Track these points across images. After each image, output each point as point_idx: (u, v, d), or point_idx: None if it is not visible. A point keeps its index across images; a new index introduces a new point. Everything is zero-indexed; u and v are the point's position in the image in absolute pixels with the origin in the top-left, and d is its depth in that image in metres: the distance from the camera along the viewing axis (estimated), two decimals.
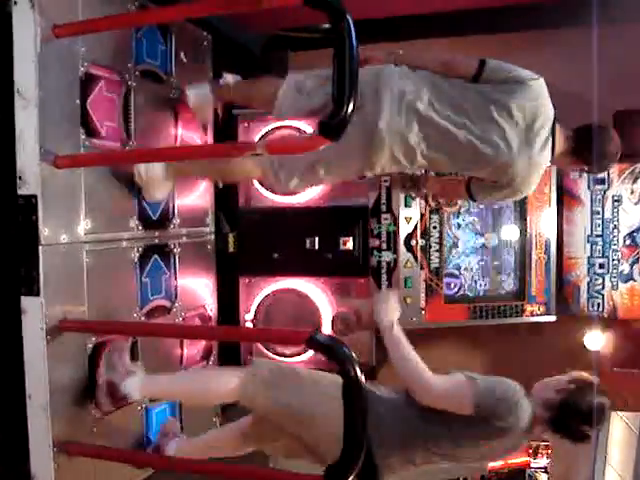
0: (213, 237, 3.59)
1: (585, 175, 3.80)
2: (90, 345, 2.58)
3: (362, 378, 1.93)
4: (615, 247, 3.83)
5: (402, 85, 2.60)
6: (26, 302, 2.31)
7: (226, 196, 3.70)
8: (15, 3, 2.26)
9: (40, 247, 2.31)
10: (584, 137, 2.75)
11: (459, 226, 3.77)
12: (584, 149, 2.76)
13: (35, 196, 2.28)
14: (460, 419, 2.32)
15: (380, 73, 2.63)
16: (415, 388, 2.38)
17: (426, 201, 3.63)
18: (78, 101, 2.51)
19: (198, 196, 3.45)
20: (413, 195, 3.53)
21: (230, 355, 3.74)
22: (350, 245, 3.66)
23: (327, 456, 2.17)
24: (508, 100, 2.60)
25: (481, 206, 3.78)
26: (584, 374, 2.39)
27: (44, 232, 2.32)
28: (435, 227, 3.67)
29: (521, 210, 3.82)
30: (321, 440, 2.38)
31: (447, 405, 2.34)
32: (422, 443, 2.40)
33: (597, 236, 3.84)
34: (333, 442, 1.98)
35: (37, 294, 2.30)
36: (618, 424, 8.87)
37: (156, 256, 3.04)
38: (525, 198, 3.79)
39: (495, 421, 2.27)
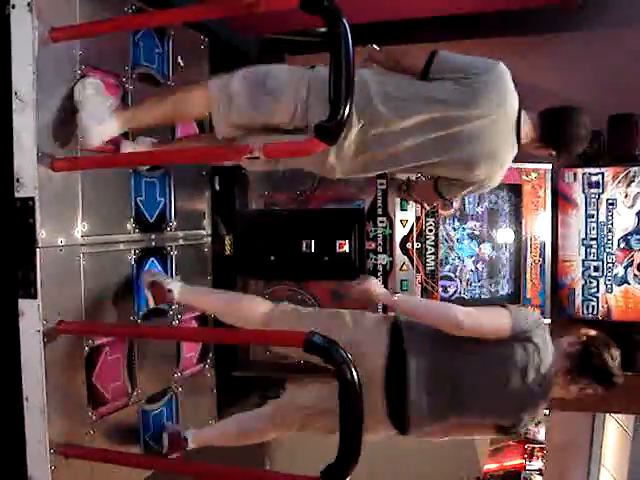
0: (210, 240, 3.60)
1: (580, 179, 3.82)
2: (87, 348, 2.58)
3: (358, 381, 1.94)
4: (609, 250, 3.85)
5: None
6: (23, 305, 2.31)
7: (223, 199, 3.71)
8: (13, 7, 2.26)
9: (37, 250, 2.31)
10: (550, 121, 2.66)
11: (455, 229, 3.78)
12: (550, 134, 2.67)
13: (32, 199, 2.29)
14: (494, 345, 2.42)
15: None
16: (453, 322, 2.42)
17: (421, 205, 3.64)
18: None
19: (195, 199, 3.46)
20: (407, 200, 3.57)
21: (227, 358, 3.75)
22: (346, 248, 3.67)
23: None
24: (463, 99, 2.51)
25: (477, 209, 3.80)
26: (592, 331, 2.53)
27: (41, 235, 2.32)
28: (431, 230, 3.68)
29: (516, 213, 3.84)
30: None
31: (485, 329, 2.42)
32: (453, 378, 2.45)
33: (592, 239, 3.86)
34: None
35: (34, 297, 2.30)
36: (612, 426, 8.90)
37: (153, 259, 3.04)
38: (520, 201, 3.82)
39: (527, 334, 2.38)
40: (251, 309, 2.72)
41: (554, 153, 2.73)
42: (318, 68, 2.51)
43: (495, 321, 2.43)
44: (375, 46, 2.73)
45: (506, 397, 2.44)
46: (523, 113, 2.60)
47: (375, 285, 2.69)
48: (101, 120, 2.46)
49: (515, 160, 2.75)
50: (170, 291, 2.76)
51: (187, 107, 2.62)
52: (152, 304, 2.83)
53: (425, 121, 2.52)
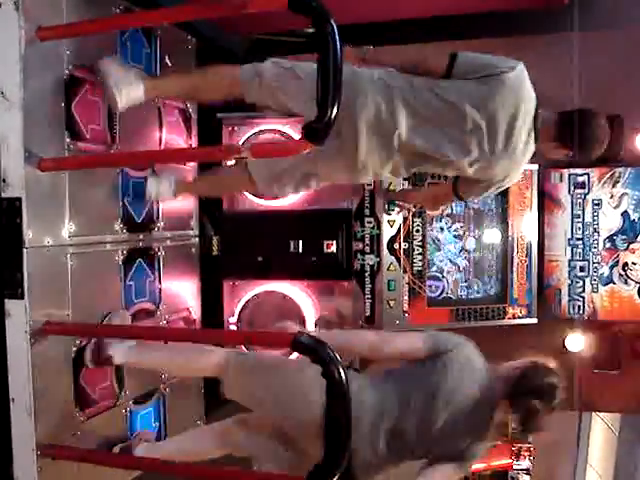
0: (197, 240, 3.59)
1: (566, 179, 3.85)
2: (74, 348, 2.57)
3: (345, 380, 1.95)
4: (595, 250, 3.88)
5: (376, 101, 2.55)
6: (10, 305, 2.30)
7: (210, 199, 3.70)
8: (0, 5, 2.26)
9: (24, 250, 2.30)
10: (569, 122, 2.66)
11: (442, 229, 3.80)
12: (568, 134, 2.66)
13: (19, 199, 2.28)
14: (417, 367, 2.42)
15: (352, 82, 2.50)
16: (365, 347, 2.50)
17: (408, 212, 3.65)
18: (63, 104, 2.51)
19: (182, 199, 3.45)
20: (397, 210, 3.58)
21: None
22: (334, 248, 3.68)
23: (309, 449, 2.19)
24: (483, 101, 2.54)
25: (463, 210, 3.82)
26: (540, 358, 2.51)
27: (28, 235, 2.31)
28: (418, 230, 3.70)
29: (503, 214, 3.86)
30: (303, 431, 2.38)
31: (401, 348, 2.45)
32: (402, 419, 2.41)
33: (578, 239, 3.89)
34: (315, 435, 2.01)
35: (21, 297, 2.29)
36: (598, 425, 8.95)
37: (140, 259, 3.04)
38: (507, 202, 3.84)
39: (444, 352, 2.39)
40: (201, 361, 2.67)
41: (571, 154, 2.73)
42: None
43: (406, 340, 2.48)
44: (371, 47, 2.74)
45: (452, 424, 2.39)
46: (541, 112, 2.62)
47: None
48: (128, 84, 2.58)
49: None
50: (110, 357, 2.61)
51: (215, 82, 2.71)
52: (90, 366, 2.64)
53: (454, 118, 2.57)
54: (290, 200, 3.72)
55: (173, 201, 3.18)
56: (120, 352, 2.62)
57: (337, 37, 1.96)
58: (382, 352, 2.48)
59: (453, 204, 3.76)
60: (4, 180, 2.28)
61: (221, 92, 2.77)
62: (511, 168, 2.69)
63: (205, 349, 2.68)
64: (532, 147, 2.66)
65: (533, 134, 2.62)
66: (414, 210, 3.65)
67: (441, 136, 2.59)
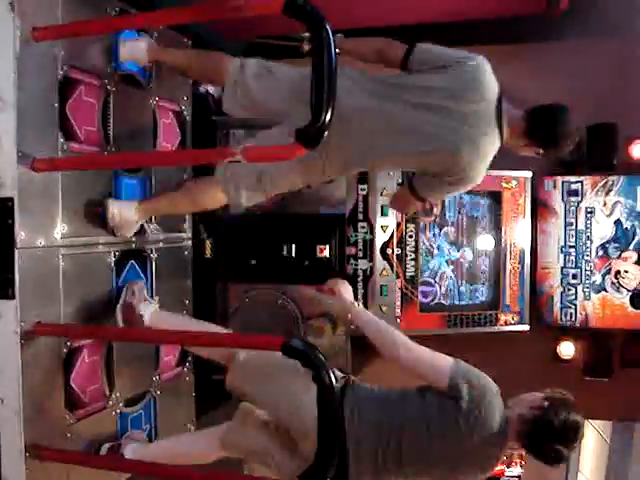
0: (190, 243, 3.58)
1: (560, 187, 3.86)
2: (65, 350, 2.56)
3: (336, 384, 1.95)
4: (588, 258, 3.89)
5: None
6: (1, 305, 2.29)
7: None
8: None
9: (16, 250, 2.29)
10: (539, 117, 2.57)
11: (435, 235, 3.80)
12: (539, 129, 2.58)
13: (12, 199, 2.27)
14: (439, 416, 2.31)
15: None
16: (398, 349, 2.39)
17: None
18: (57, 105, 2.50)
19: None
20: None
21: (206, 361, 3.73)
22: (327, 253, 3.68)
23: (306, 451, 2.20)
24: (444, 85, 2.50)
25: (457, 216, 3.82)
26: (560, 391, 2.33)
27: (20, 235, 2.30)
28: (411, 236, 3.70)
29: (496, 220, 3.87)
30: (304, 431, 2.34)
31: (425, 369, 2.35)
32: (396, 444, 2.36)
33: (570, 247, 3.90)
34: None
35: (12, 298, 2.28)
36: (590, 433, 8.97)
37: (133, 261, 3.02)
38: (500, 209, 3.84)
39: (466, 406, 2.25)
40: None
41: (540, 151, 2.64)
42: None
43: (435, 367, 2.35)
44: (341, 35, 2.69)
45: (451, 459, 2.34)
46: (505, 105, 2.56)
47: (344, 289, 2.63)
48: (137, 40, 2.86)
49: (495, 167, 2.69)
50: (141, 316, 2.74)
51: (205, 62, 2.87)
52: (120, 325, 2.78)
53: (407, 108, 2.53)
54: (284, 204, 3.73)
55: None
56: (149, 313, 2.75)
57: (332, 42, 1.97)
58: (406, 363, 2.39)
59: (446, 211, 3.78)
60: None
61: (206, 74, 2.95)
62: (476, 156, 2.55)
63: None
64: (496, 142, 2.57)
65: (496, 124, 2.54)
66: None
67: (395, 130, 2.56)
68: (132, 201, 2.84)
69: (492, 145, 2.57)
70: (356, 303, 2.61)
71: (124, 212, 2.77)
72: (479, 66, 2.53)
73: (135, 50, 2.83)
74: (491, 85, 2.54)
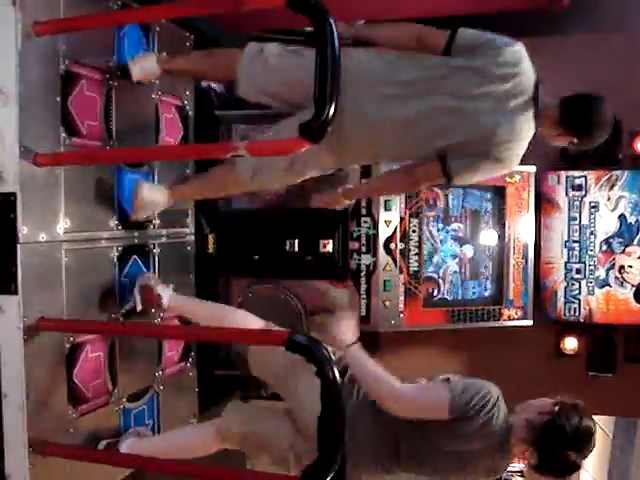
0: (193, 238, 3.58)
1: (563, 181, 3.85)
2: (68, 345, 2.56)
3: (340, 380, 1.94)
4: (592, 253, 3.88)
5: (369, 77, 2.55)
6: (3, 301, 2.29)
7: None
8: None
9: (18, 245, 2.29)
10: (573, 105, 2.56)
11: (438, 230, 3.79)
12: (573, 118, 2.56)
13: (14, 194, 2.27)
14: (435, 422, 2.26)
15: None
16: (380, 396, 2.31)
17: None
18: (59, 99, 2.49)
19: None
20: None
21: (209, 356, 3.73)
22: (330, 248, 3.67)
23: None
24: (483, 65, 2.49)
25: (460, 211, 3.81)
26: (570, 398, 2.24)
27: (23, 230, 2.30)
28: (414, 231, 3.69)
29: (499, 215, 3.86)
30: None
31: (421, 411, 2.27)
32: (393, 449, 2.34)
33: (574, 242, 3.89)
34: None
35: (15, 293, 2.28)
36: None
37: (135, 256, 3.02)
38: (504, 203, 3.83)
39: (470, 417, 2.18)
40: (238, 321, 2.76)
41: (575, 141, 2.60)
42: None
43: (431, 406, 2.26)
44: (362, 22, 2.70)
45: (456, 472, 2.31)
46: (541, 93, 2.53)
47: (345, 327, 2.51)
48: (145, 56, 2.89)
49: None
50: (159, 296, 2.82)
51: (220, 59, 2.85)
52: (139, 307, 2.86)
53: (448, 92, 2.52)
54: (286, 199, 3.72)
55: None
56: (167, 295, 2.83)
57: (335, 35, 1.96)
58: (402, 412, 2.29)
59: (450, 205, 3.77)
60: None
61: (219, 73, 2.94)
62: (512, 136, 2.53)
63: (241, 312, 2.87)
64: (531, 120, 2.54)
65: (532, 108, 2.52)
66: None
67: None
68: (162, 185, 2.97)
69: (528, 127, 2.54)
70: (354, 341, 2.46)
71: (154, 193, 2.88)
72: (518, 52, 2.51)
73: (146, 67, 2.86)
74: (529, 70, 2.52)
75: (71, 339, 2.57)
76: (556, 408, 2.18)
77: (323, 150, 2.51)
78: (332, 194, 3.16)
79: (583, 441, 2.16)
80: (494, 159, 2.57)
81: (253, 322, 2.79)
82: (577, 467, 2.17)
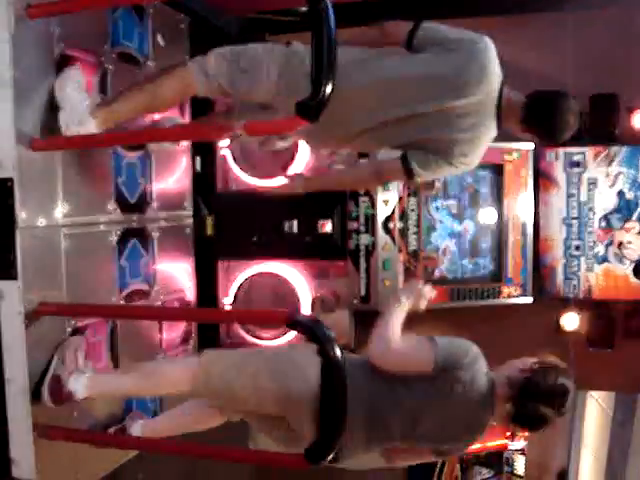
0: (191, 221, 3.58)
1: (561, 158, 3.84)
2: (69, 329, 2.57)
3: (341, 358, 1.95)
4: (590, 229, 3.88)
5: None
6: (4, 286, 2.29)
7: (204, 179, 3.69)
8: None
9: (17, 231, 2.29)
10: (537, 108, 2.52)
11: (437, 209, 3.79)
12: (536, 121, 2.52)
13: (11, 179, 2.26)
14: (420, 379, 2.31)
15: None
16: (376, 352, 2.35)
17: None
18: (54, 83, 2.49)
19: (176, 179, 3.43)
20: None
21: (209, 340, 3.74)
22: (328, 228, 3.67)
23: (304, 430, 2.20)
24: (447, 71, 2.42)
25: (458, 189, 3.81)
26: (551, 357, 2.36)
27: (21, 215, 2.30)
28: (413, 210, 3.69)
29: (498, 193, 3.85)
30: (301, 417, 2.30)
31: (406, 363, 2.33)
32: (387, 411, 2.35)
33: (573, 218, 3.89)
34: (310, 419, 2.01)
35: (15, 278, 2.28)
36: (592, 406, 9.01)
37: (134, 240, 3.03)
38: (502, 181, 3.83)
39: (452, 371, 2.26)
40: (175, 373, 2.51)
41: (537, 140, 2.65)
42: (295, 45, 2.50)
43: (417, 359, 2.32)
44: None
45: (441, 427, 2.34)
46: (506, 91, 2.51)
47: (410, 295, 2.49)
48: (80, 122, 2.44)
49: (496, 139, 2.65)
50: (70, 393, 2.41)
51: (168, 91, 2.55)
52: (49, 404, 2.40)
53: (408, 94, 2.47)
54: (284, 180, 3.72)
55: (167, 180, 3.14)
56: (82, 385, 2.42)
57: (331, 14, 1.95)
58: (387, 367, 2.34)
59: (448, 184, 3.76)
60: None
61: (179, 97, 2.71)
62: (473, 145, 2.53)
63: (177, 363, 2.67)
64: (493, 132, 2.54)
65: (495, 117, 2.50)
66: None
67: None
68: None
69: (488, 136, 2.54)
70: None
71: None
72: (485, 51, 2.43)
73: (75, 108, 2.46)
74: (495, 73, 2.46)
75: (72, 323, 2.58)
76: (535, 366, 2.28)
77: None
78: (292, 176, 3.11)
79: (556, 397, 2.24)
80: (450, 163, 2.56)
81: (179, 371, 2.52)
82: (545, 421, 2.26)
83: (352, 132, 2.59)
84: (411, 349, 2.36)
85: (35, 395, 2.36)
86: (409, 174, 2.59)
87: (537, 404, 2.23)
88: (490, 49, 2.45)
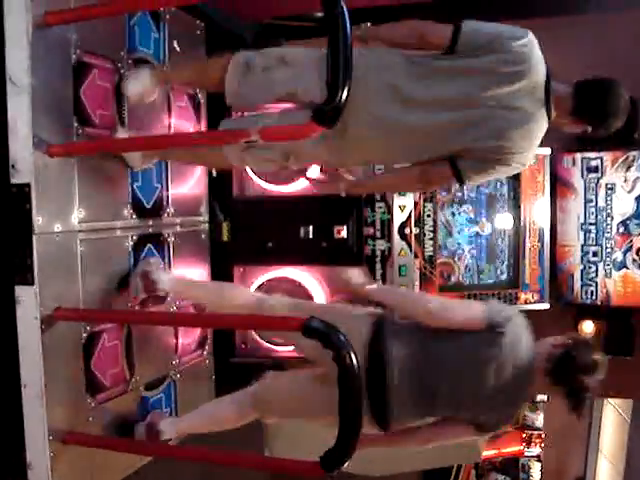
0: (207, 226, 3.58)
1: (579, 163, 3.81)
2: (85, 334, 2.57)
3: (357, 365, 1.94)
4: (608, 235, 3.84)
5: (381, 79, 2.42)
6: (20, 291, 2.30)
7: (220, 185, 3.69)
8: None
9: (34, 236, 2.30)
10: (587, 94, 2.45)
11: (453, 214, 3.77)
12: (587, 108, 2.45)
13: (28, 185, 2.27)
14: (468, 336, 2.36)
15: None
16: (422, 309, 2.42)
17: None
18: (71, 89, 2.50)
19: (192, 185, 3.44)
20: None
21: (225, 345, 3.74)
22: (344, 234, 3.66)
23: None
24: (489, 66, 2.36)
25: (475, 195, 3.79)
26: (580, 334, 2.48)
27: (38, 221, 2.31)
28: (429, 215, 3.67)
29: (515, 198, 3.84)
30: None
31: (458, 321, 2.38)
32: (434, 379, 2.39)
33: (591, 224, 3.86)
34: None
35: (31, 283, 2.29)
36: (610, 411, 8.93)
37: (150, 245, 3.03)
38: (519, 186, 3.80)
39: (502, 325, 2.33)
40: (242, 295, 2.82)
41: (589, 128, 2.51)
42: None
43: (467, 311, 2.42)
44: (368, 24, 2.59)
45: (485, 394, 2.38)
46: (553, 83, 2.43)
47: (355, 276, 2.67)
48: (137, 72, 2.80)
49: None
50: (154, 282, 2.80)
51: (215, 68, 2.65)
52: (142, 294, 2.81)
53: (456, 98, 2.41)
54: (300, 185, 3.71)
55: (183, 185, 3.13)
56: (165, 279, 2.85)
57: (347, 19, 1.95)
58: (440, 321, 2.39)
59: (464, 189, 3.74)
60: (13, 166, 2.27)
61: (213, 84, 2.72)
62: (525, 142, 2.46)
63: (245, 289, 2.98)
64: (544, 124, 2.46)
65: (544, 109, 2.43)
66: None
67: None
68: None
69: (540, 129, 2.46)
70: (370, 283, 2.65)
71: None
72: (528, 44, 2.38)
73: (140, 84, 2.79)
74: (539, 65, 2.40)
75: (88, 328, 2.59)
76: (569, 341, 2.38)
77: (321, 146, 2.46)
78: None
79: (593, 366, 2.32)
80: (506, 165, 2.50)
81: (248, 296, 2.84)
82: (587, 389, 2.32)
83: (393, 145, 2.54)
84: (461, 304, 2.54)
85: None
86: (460, 179, 2.53)
87: (576, 374, 2.30)
88: (533, 43, 2.39)
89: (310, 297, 3.78)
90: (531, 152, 2.52)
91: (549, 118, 2.46)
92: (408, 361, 2.38)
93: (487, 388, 2.36)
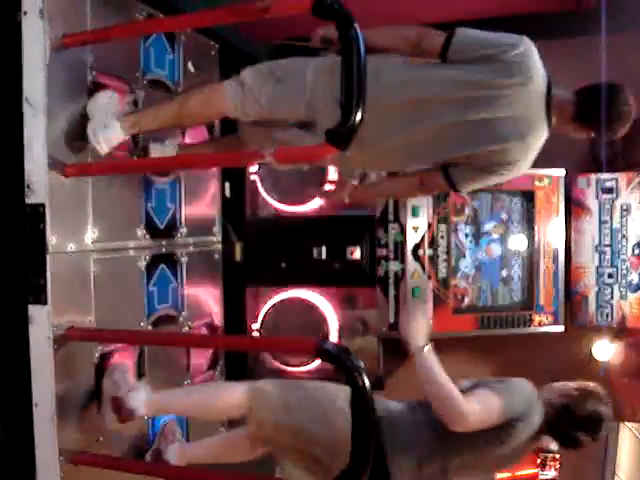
0: (220, 246, 3.58)
1: (593, 184, 3.79)
2: (97, 354, 2.57)
3: (369, 388, 1.92)
4: (624, 257, 3.82)
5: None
6: (33, 311, 2.30)
7: (233, 205, 3.70)
8: (25, 13, 2.27)
9: (48, 256, 2.30)
10: (589, 99, 2.41)
11: (467, 236, 3.76)
12: (589, 112, 2.41)
13: (43, 205, 2.28)
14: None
15: None
16: (449, 417, 2.25)
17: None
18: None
19: (205, 205, 3.45)
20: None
21: (237, 365, 3.73)
22: (357, 255, 3.65)
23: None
24: (489, 77, 2.31)
25: (490, 216, 3.77)
26: (592, 384, 2.40)
27: (52, 241, 2.31)
28: (443, 237, 3.66)
29: (529, 219, 3.81)
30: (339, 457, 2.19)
31: (483, 424, 2.28)
32: (439, 451, 2.35)
33: (606, 246, 3.83)
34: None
35: (44, 303, 2.29)
36: (626, 435, 8.80)
37: (163, 265, 3.03)
38: (533, 207, 3.78)
39: (514, 421, 2.28)
40: (227, 400, 2.57)
41: (592, 134, 2.47)
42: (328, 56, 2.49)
43: (488, 417, 2.27)
44: None
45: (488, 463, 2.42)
46: (554, 90, 2.40)
47: (420, 328, 2.43)
48: (106, 125, 2.45)
49: None
50: (131, 410, 2.46)
51: (196, 104, 2.54)
52: (116, 425, 2.51)
53: (451, 103, 2.38)
54: (313, 206, 3.71)
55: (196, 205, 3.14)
56: (141, 401, 2.47)
57: (361, 41, 1.95)
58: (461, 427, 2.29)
59: (479, 211, 3.73)
60: (28, 186, 2.29)
61: (211, 112, 2.68)
62: (524, 154, 2.44)
63: (231, 389, 2.61)
64: (544, 133, 2.43)
65: (545, 116, 2.40)
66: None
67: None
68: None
69: (538, 138, 2.44)
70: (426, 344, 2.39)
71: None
72: (525, 53, 2.33)
73: (110, 138, 2.48)
74: (538, 72, 2.36)
75: (100, 348, 2.58)
76: (575, 392, 2.34)
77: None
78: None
79: (591, 425, 2.30)
80: (499, 174, 2.48)
81: (240, 392, 2.57)
82: (578, 444, 2.33)
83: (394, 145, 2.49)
84: (484, 413, 2.28)
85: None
86: (452, 186, 2.54)
87: (571, 429, 2.31)
88: (530, 49, 2.36)
89: (323, 318, 3.77)
90: (527, 161, 2.49)
91: (549, 126, 2.44)
92: (409, 454, 2.36)
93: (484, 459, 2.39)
